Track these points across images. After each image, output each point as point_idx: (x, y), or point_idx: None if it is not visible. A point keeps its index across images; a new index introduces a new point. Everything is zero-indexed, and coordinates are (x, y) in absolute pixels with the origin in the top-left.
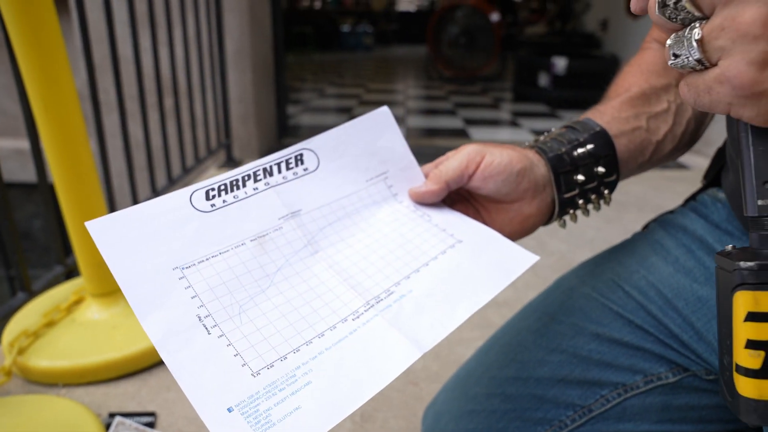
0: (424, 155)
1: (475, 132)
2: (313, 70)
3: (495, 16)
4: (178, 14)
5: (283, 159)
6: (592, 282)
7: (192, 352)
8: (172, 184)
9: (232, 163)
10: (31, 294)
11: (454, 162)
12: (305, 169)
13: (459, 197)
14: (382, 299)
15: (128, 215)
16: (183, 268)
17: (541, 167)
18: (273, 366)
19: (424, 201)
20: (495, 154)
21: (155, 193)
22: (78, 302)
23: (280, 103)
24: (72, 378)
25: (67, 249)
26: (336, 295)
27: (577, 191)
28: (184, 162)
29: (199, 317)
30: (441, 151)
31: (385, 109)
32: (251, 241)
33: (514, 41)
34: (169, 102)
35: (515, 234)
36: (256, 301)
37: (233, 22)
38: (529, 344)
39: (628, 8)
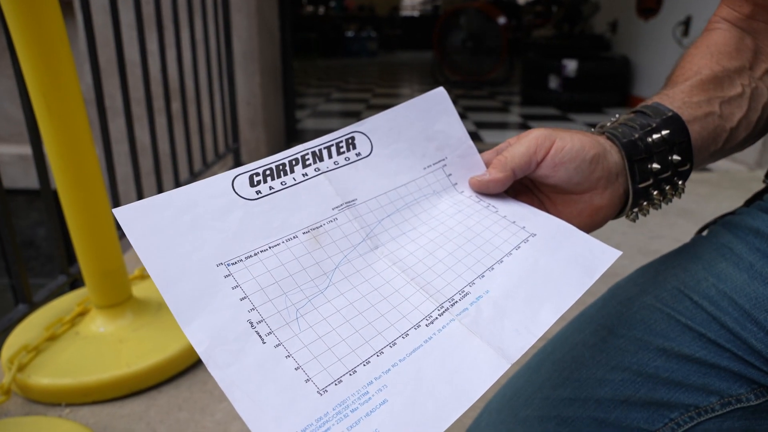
0: None
1: (487, 135)
2: (318, 75)
3: (502, 20)
4: (185, 16)
5: (334, 142)
6: (654, 291)
7: (246, 365)
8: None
9: None
10: (33, 305)
11: (520, 147)
12: (357, 154)
13: (521, 187)
14: (456, 301)
15: (163, 201)
16: (228, 264)
17: (614, 154)
18: (341, 381)
19: (488, 191)
20: (566, 139)
21: (160, 191)
22: (82, 314)
23: (288, 106)
24: (76, 397)
25: (71, 257)
26: (404, 297)
27: (651, 181)
28: (192, 167)
29: (251, 323)
30: None
31: (441, 90)
32: (304, 233)
33: (521, 44)
34: (176, 106)
35: (583, 228)
36: (315, 304)
37: (241, 23)
38: (587, 361)
39: (639, 8)
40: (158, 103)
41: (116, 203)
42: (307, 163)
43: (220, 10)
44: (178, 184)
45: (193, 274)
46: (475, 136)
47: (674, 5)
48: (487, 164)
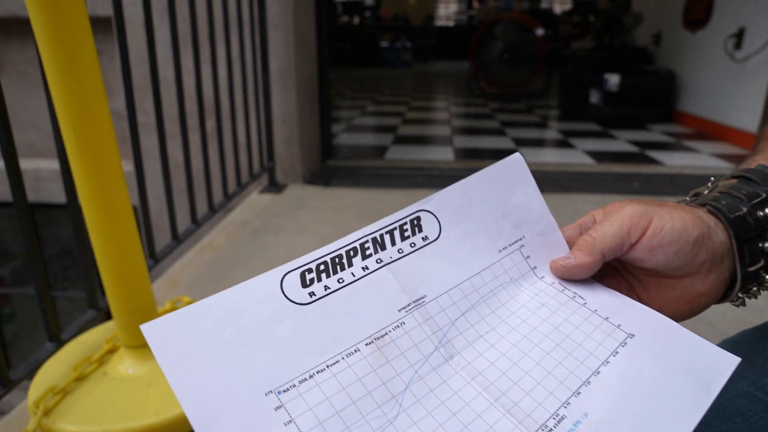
0: None
1: (527, 153)
2: (353, 86)
3: (540, 31)
4: (221, 33)
5: (397, 225)
6: (751, 375)
7: None
8: (213, 212)
9: (274, 188)
10: (60, 343)
11: (611, 227)
12: (424, 238)
13: (606, 267)
14: (551, 429)
15: (200, 313)
16: (280, 393)
17: (719, 233)
18: None
19: (573, 277)
20: (665, 218)
21: (194, 216)
22: (111, 352)
23: (324, 123)
24: None
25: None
26: (488, 425)
27: (762, 263)
28: (226, 187)
29: None
30: None
31: (517, 157)
32: (367, 345)
33: (559, 56)
34: (210, 124)
35: (678, 316)
36: None
37: (278, 40)
38: None
39: (685, 20)
40: (192, 121)
41: (146, 218)
42: (368, 252)
43: (257, 26)
44: (211, 203)
45: (238, 408)
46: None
47: (724, 16)
48: (570, 242)
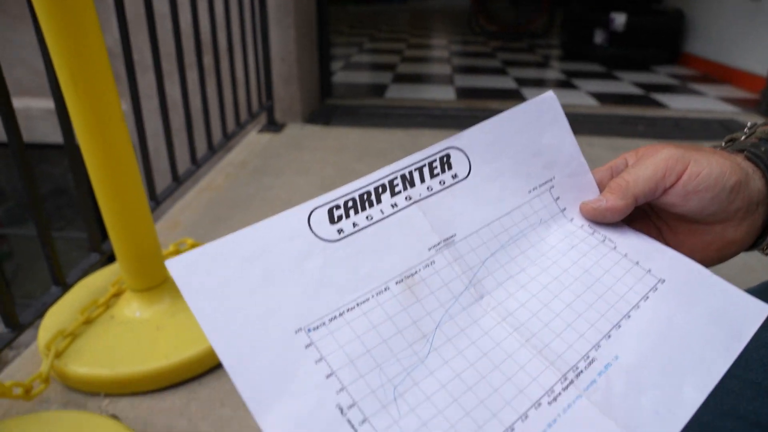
0: (478, 119)
1: (529, 93)
2: (350, 22)
3: None
4: None
5: (426, 162)
6: None
7: None
8: (213, 152)
9: (273, 127)
10: (66, 287)
11: (646, 170)
12: (454, 176)
13: (637, 211)
14: (582, 371)
15: (227, 248)
16: (310, 330)
17: (757, 180)
18: None
19: (604, 220)
20: (702, 163)
21: (194, 157)
22: (117, 295)
23: (323, 61)
24: (114, 388)
25: (104, 231)
26: (519, 365)
27: None
28: (225, 127)
29: (341, 408)
30: (495, 114)
31: (551, 96)
32: (396, 283)
33: None
34: (207, 61)
35: (706, 262)
36: (415, 378)
37: None
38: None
39: None
40: (189, 59)
41: (146, 159)
42: (396, 189)
43: None
44: (210, 143)
45: (268, 346)
46: (516, 94)
47: None
48: (600, 185)
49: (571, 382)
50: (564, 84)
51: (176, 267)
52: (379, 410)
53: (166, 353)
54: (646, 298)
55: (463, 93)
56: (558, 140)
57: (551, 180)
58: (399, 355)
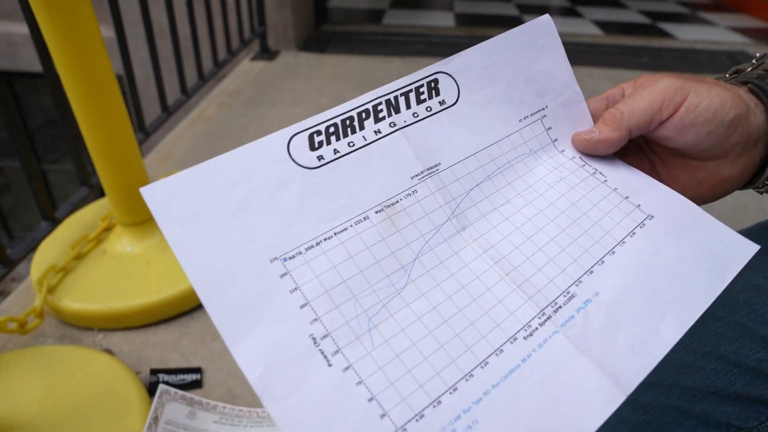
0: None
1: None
2: None
3: None
4: None
5: (413, 87)
6: (765, 269)
7: (309, 396)
8: (204, 81)
9: (267, 54)
10: (55, 222)
11: (641, 101)
12: (441, 103)
13: (630, 144)
14: (561, 306)
15: (205, 173)
16: (285, 259)
17: (758, 115)
18: (423, 416)
19: (596, 152)
20: (702, 94)
21: (183, 86)
22: (107, 230)
23: None
24: (107, 323)
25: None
26: (498, 299)
27: None
28: (216, 54)
29: (314, 339)
30: None
31: (546, 19)
32: (377, 213)
33: None
34: None
35: (699, 200)
36: (391, 310)
37: None
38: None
39: None
40: None
41: (133, 89)
42: (381, 115)
43: None
44: (200, 71)
45: (242, 274)
46: (518, 21)
47: None
48: (595, 115)
49: (549, 317)
50: (568, 12)
51: (150, 194)
52: (353, 341)
53: (157, 287)
54: (632, 234)
55: (463, 19)
56: (552, 67)
57: (544, 109)
58: (375, 286)
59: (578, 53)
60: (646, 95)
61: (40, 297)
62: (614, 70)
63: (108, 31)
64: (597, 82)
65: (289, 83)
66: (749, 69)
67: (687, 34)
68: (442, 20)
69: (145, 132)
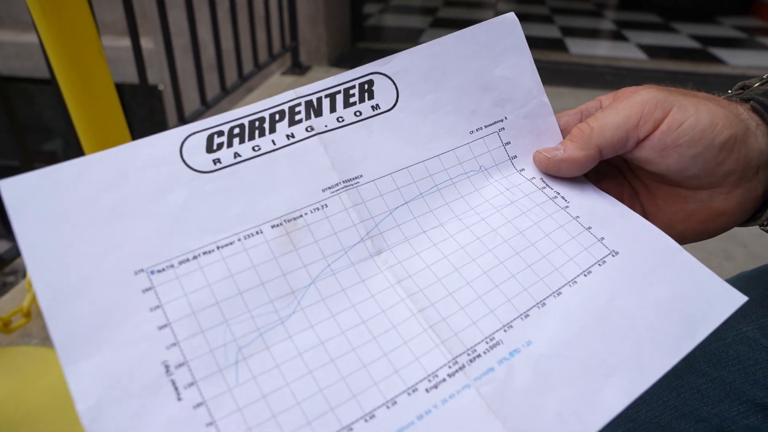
0: None
1: (574, 45)
2: None
3: None
4: None
5: (341, 87)
6: (760, 319)
7: None
8: (226, 93)
9: (298, 69)
10: None
11: (615, 116)
12: (374, 107)
13: (608, 167)
14: (479, 355)
15: (71, 174)
16: (152, 273)
17: (759, 138)
18: None
19: (559, 173)
20: (687, 110)
21: (204, 100)
22: None
23: (354, 1)
24: None
25: None
26: (403, 340)
27: None
28: (241, 67)
29: (167, 366)
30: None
31: (511, 18)
32: (273, 227)
33: None
34: None
35: (688, 236)
36: (268, 341)
37: None
38: (649, 398)
39: None
40: None
41: (150, 98)
42: (297, 118)
43: None
44: (223, 83)
45: (98, 285)
46: (559, 44)
47: None
48: (565, 131)
49: (462, 367)
50: (614, 35)
51: (8, 187)
52: (213, 373)
53: None
54: (587, 272)
55: None
56: (516, 73)
57: (502, 120)
58: (254, 312)
59: (618, 77)
60: (621, 109)
61: (29, 297)
62: None
63: (150, 43)
64: None
65: None
66: (757, 84)
67: (740, 60)
68: None
69: None
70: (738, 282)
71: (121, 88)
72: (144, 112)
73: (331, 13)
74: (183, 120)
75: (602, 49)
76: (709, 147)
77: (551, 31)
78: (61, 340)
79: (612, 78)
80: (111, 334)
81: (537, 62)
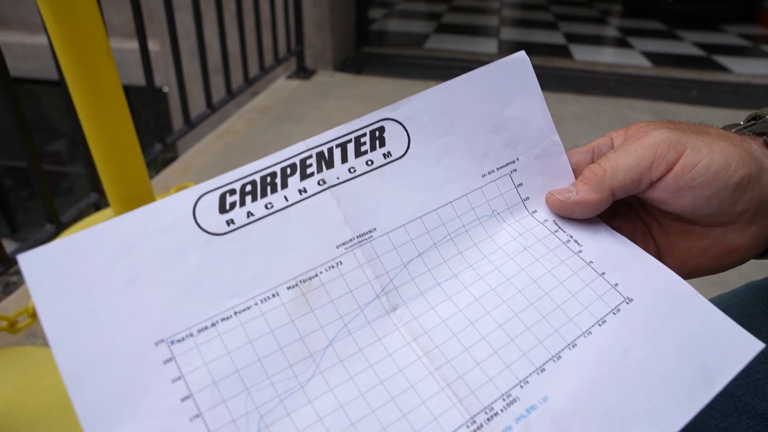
0: None
1: (578, 51)
2: None
3: None
4: None
5: (352, 136)
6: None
7: None
8: (231, 96)
9: (303, 73)
10: (60, 226)
11: (628, 157)
12: (386, 155)
13: (621, 204)
14: (496, 413)
15: (85, 243)
16: (172, 343)
17: None
18: None
19: (572, 216)
20: (701, 151)
21: (209, 102)
22: None
23: (360, 6)
24: None
25: None
26: (421, 399)
27: None
28: (246, 71)
29: None
30: (537, 72)
31: (522, 57)
32: (289, 289)
33: None
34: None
35: (702, 271)
36: (289, 408)
37: None
38: None
39: None
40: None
41: (154, 101)
42: (309, 171)
43: None
44: (228, 86)
45: (119, 359)
46: (563, 50)
47: None
48: (577, 170)
49: (480, 426)
50: (618, 42)
51: (28, 262)
52: None
53: None
54: (602, 322)
55: (506, 46)
56: (526, 113)
57: (514, 162)
58: (274, 378)
59: (622, 84)
60: (633, 150)
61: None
62: (658, 103)
63: (157, 45)
64: (638, 115)
65: (319, 102)
66: None
67: (744, 68)
68: (485, 46)
69: (164, 143)
70: (746, 293)
71: (126, 90)
72: (149, 114)
73: (336, 17)
74: (188, 122)
75: (606, 56)
76: (724, 188)
77: (556, 38)
78: (85, 415)
79: (616, 85)
80: (134, 407)
81: (541, 68)
